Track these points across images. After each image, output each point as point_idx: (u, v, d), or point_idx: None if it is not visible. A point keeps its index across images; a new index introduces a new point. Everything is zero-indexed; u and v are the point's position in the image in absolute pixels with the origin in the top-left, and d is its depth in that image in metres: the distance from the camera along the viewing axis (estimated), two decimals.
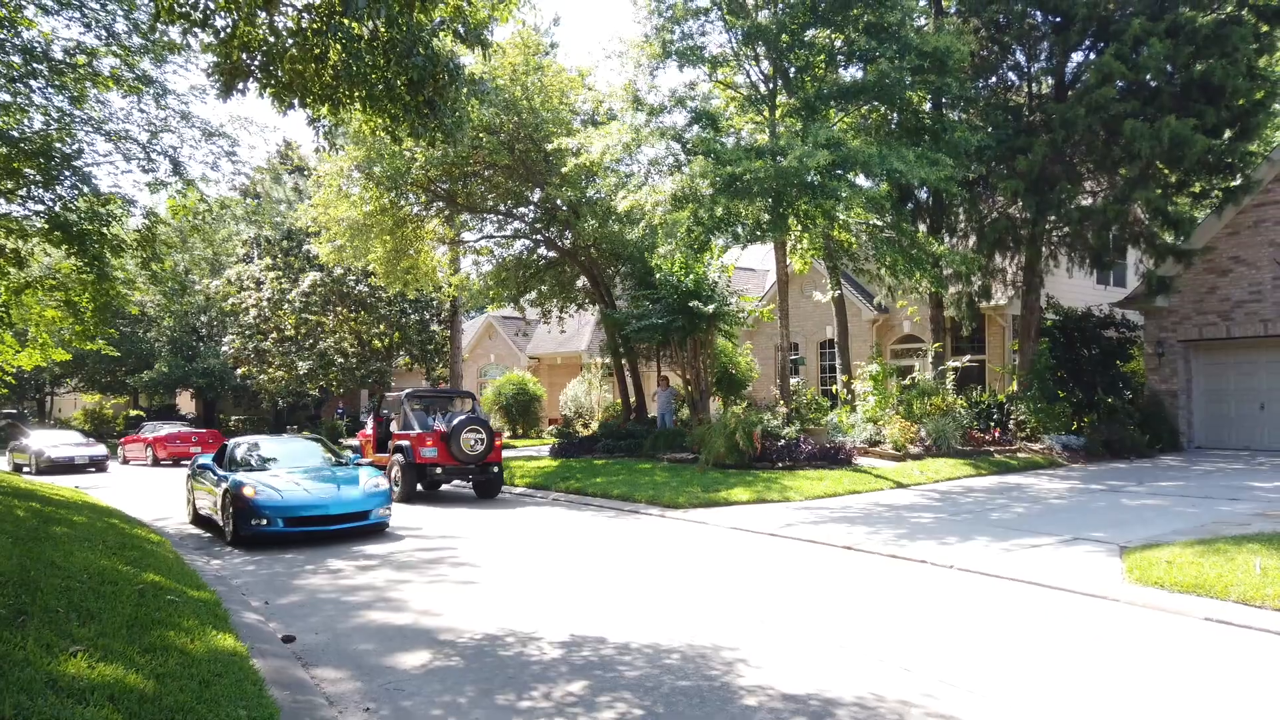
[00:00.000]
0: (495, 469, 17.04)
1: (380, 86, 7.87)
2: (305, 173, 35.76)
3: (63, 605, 6.36)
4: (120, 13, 13.38)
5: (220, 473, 12.74)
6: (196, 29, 8.96)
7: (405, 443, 16.67)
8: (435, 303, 33.95)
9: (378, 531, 12.49)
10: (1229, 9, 18.78)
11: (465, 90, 7.94)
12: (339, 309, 33.63)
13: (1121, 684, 5.62)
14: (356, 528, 12.08)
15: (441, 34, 7.87)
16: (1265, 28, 18.91)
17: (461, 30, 7.80)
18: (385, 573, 9.74)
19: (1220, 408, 20.95)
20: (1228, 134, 18.73)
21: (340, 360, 33.83)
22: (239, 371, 36.23)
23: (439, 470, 16.46)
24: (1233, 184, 19.09)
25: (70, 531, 10.44)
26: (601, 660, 6.32)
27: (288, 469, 12.99)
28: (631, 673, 6.01)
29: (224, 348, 36.25)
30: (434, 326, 35.49)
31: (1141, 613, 7.27)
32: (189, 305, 36.78)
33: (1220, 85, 17.87)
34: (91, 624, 6.00)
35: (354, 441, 20.88)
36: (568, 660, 6.35)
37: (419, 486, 16.69)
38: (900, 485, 15.58)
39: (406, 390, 19.24)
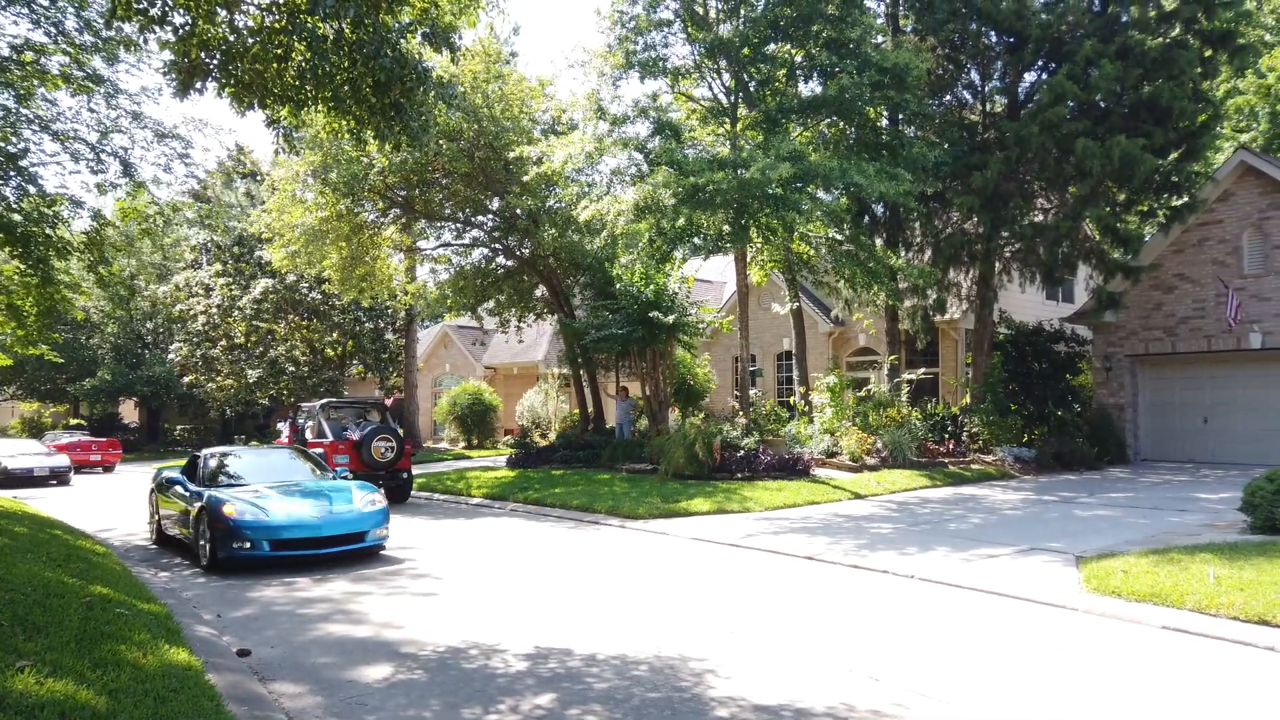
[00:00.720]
0: (404, 475, 18.07)
1: (346, 88, 7.73)
2: (258, 178, 35.14)
3: (7, 618, 6.09)
4: (71, 9, 13.04)
5: (192, 488, 11.43)
6: (154, 26, 8.74)
7: (319, 450, 17.12)
8: (390, 311, 33.52)
9: (372, 555, 11.23)
10: (1175, 33, 19.35)
11: (433, 93, 7.84)
12: (291, 316, 33.03)
13: (1088, 693, 5.67)
14: (351, 551, 10.77)
15: (409, 36, 7.76)
16: (1209, 52, 19.50)
17: (430, 33, 7.70)
18: (342, 584, 9.53)
19: (1165, 421, 21.47)
20: (1174, 154, 19.25)
21: (291, 369, 33.21)
22: (186, 380, 35.38)
23: (350, 476, 16.54)
24: (1179, 203, 19.60)
25: (11, 543, 10.06)
26: (569, 672, 6.23)
27: (270, 484, 11.53)
28: (600, 685, 5.93)
29: (170, 355, 35.36)
30: (389, 335, 35.03)
31: (1100, 621, 7.36)
32: (135, 311, 35.86)
33: (1167, 107, 18.38)
34: (39, 638, 5.76)
35: None
36: (534, 673, 6.25)
37: None
38: (858, 496, 15.68)
39: (321, 401, 20.07)
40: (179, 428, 44.54)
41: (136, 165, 14.40)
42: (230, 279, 32.86)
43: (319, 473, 12.52)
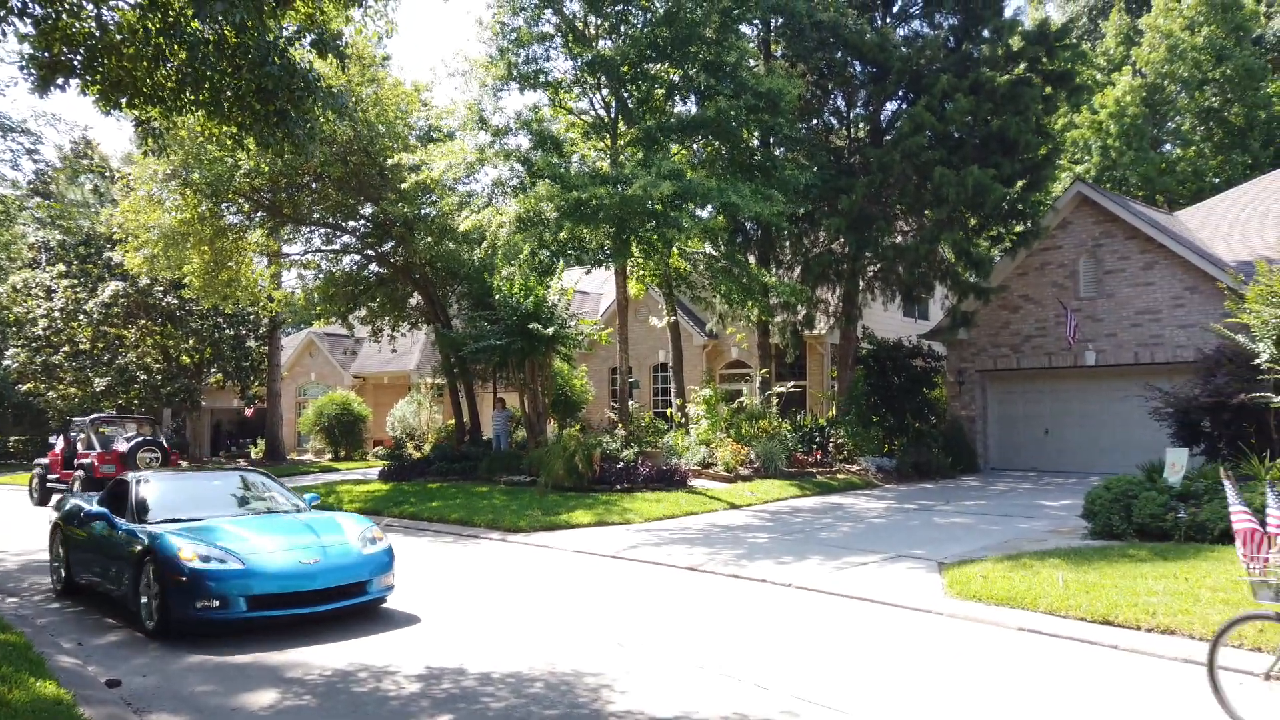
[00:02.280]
0: None
1: (229, 94, 7.48)
2: (107, 174, 33.07)
3: None
4: None
5: (125, 525, 8.72)
6: (12, 17, 8.25)
7: (88, 460, 19.73)
8: (252, 317, 32.12)
9: (371, 611, 8.67)
10: (1020, 71, 20.86)
11: (321, 103, 7.68)
12: (143, 321, 31.19)
13: (959, 692, 6.08)
14: (352, 607, 8.28)
15: (297, 43, 7.58)
16: (1050, 90, 21.11)
17: (318, 40, 7.54)
18: None
19: (1011, 432, 22.97)
20: (1020, 184, 20.69)
21: (143, 377, 31.34)
22: (23, 388, 32.84)
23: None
24: (1023, 229, 21.05)
25: None
26: (464, 692, 6.22)
27: (231, 516, 9.00)
28: (496, 704, 5.95)
29: (6, 361, 32.75)
30: (250, 342, 33.56)
31: (964, 625, 7.88)
32: None
33: (1014, 139, 19.75)
34: None
35: (45, 460, 22.49)
36: (428, 694, 6.21)
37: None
38: (734, 506, 16.12)
39: (91, 416, 22.58)
40: (12, 439, 41.27)
41: None
42: (75, 281, 30.75)
43: (285, 499, 9.93)
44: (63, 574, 9.98)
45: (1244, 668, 5.53)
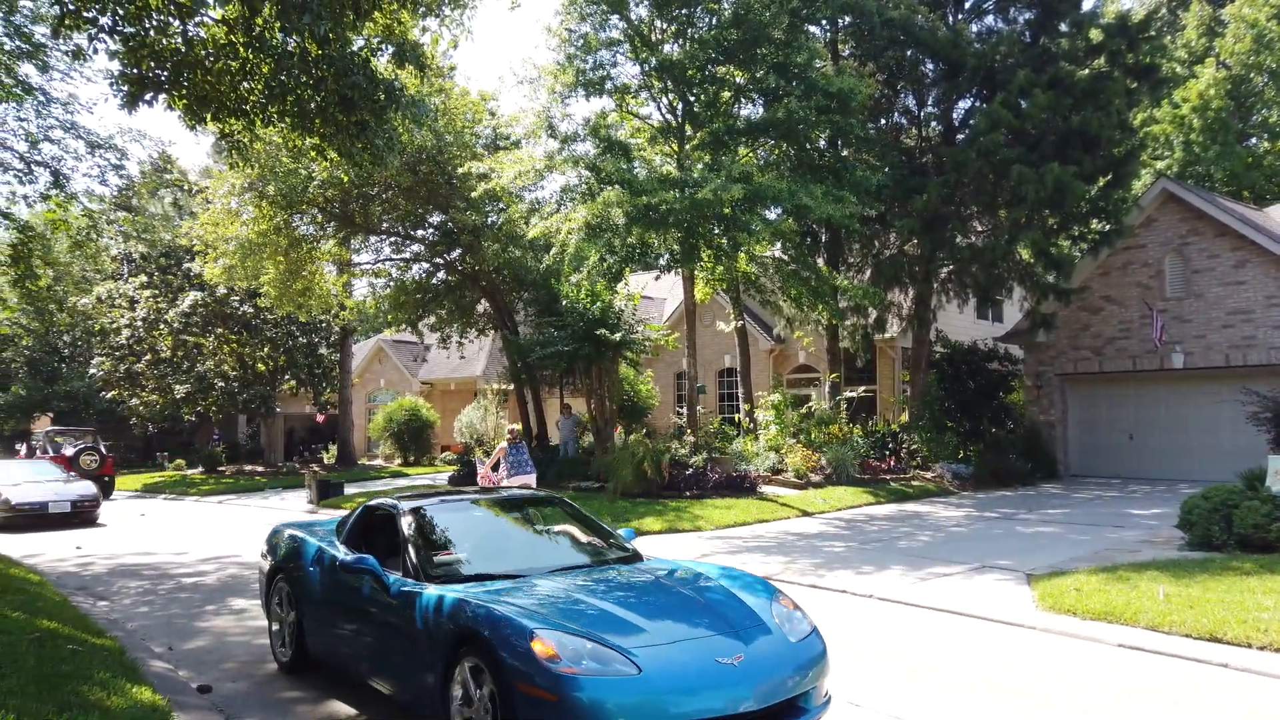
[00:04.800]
0: (106, 479, 24.68)
1: (312, 105, 7.56)
2: (185, 188, 34.06)
3: None
4: None
5: (406, 585, 5.51)
6: (104, 35, 8.47)
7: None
8: (324, 325, 32.80)
9: None
10: (1100, 64, 20.19)
11: (402, 112, 7.73)
12: (220, 330, 32.07)
13: (1067, 714, 5.80)
14: None
15: (379, 53, 7.65)
16: (1133, 84, 20.38)
17: (399, 50, 7.59)
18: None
19: (1093, 438, 22.21)
20: (1102, 181, 20.00)
21: (221, 384, 32.22)
22: (108, 395, 34.03)
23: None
24: (1106, 228, 20.34)
25: None
26: None
27: (556, 573, 5.71)
28: None
29: (92, 370, 33.97)
30: (323, 350, 34.27)
31: (1060, 640, 7.55)
32: (63, 324, 34.45)
33: (1096, 135, 19.10)
34: None
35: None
36: None
37: None
38: (806, 513, 15.86)
39: (47, 429, 28.31)
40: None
41: (69, 176, 13.85)
42: (156, 291, 31.76)
43: (606, 540, 6.63)
44: (292, 639, 6.84)
45: None
